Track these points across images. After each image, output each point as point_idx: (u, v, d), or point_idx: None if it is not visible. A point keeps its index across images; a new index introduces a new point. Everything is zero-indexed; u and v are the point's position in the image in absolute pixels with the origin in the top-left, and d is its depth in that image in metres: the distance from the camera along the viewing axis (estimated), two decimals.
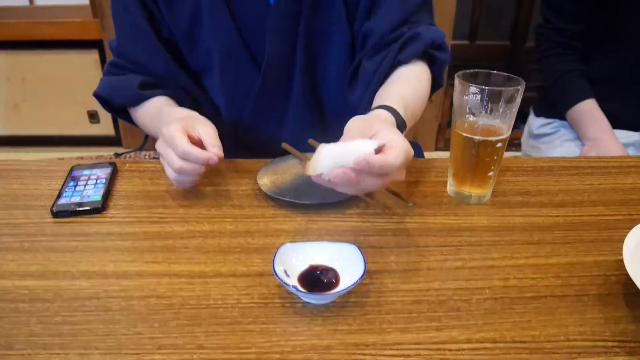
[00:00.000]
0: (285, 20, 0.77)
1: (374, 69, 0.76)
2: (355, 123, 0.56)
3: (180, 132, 0.62)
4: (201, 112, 0.86)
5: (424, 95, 0.77)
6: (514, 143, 1.80)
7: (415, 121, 0.74)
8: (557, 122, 1.24)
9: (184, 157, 0.62)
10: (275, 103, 0.85)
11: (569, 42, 1.16)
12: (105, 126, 2.39)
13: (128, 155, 2.18)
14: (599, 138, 1.10)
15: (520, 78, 0.64)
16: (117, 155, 2.19)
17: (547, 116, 1.27)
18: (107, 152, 2.28)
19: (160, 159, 0.67)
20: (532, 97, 1.34)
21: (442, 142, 2.35)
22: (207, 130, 0.65)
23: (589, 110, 1.13)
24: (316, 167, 0.50)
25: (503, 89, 0.62)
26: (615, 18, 1.10)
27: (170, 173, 0.65)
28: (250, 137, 0.89)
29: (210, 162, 0.62)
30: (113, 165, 0.76)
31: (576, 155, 1.15)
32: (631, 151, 1.15)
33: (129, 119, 0.87)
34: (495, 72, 0.66)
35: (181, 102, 0.83)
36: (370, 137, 0.53)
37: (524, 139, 1.37)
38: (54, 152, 2.35)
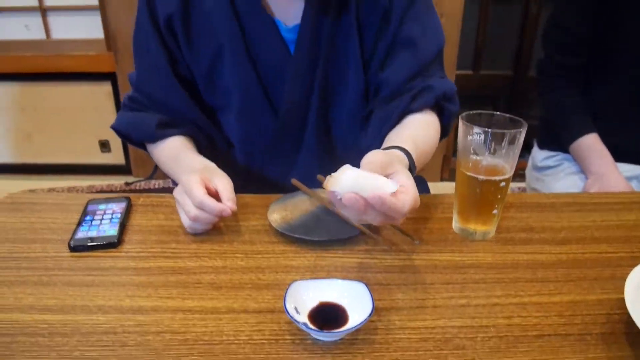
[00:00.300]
0: (304, 68, 0.81)
1: (387, 116, 0.79)
2: (376, 157, 0.57)
3: (198, 184, 0.66)
4: (214, 148, 0.89)
5: (433, 143, 0.79)
6: (518, 173, 1.82)
7: (422, 166, 0.76)
8: (560, 155, 1.26)
9: (200, 207, 0.66)
10: (288, 144, 0.88)
11: (570, 77, 1.19)
12: (116, 155, 2.44)
13: (138, 184, 2.22)
14: (602, 172, 1.12)
15: (522, 120, 0.66)
16: (127, 184, 2.23)
17: (550, 149, 1.29)
18: (118, 181, 2.32)
19: (177, 205, 0.70)
20: (536, 125, 1.36)
21: (447, 172, 2.37)
22: (223, 184, 0.69)
23: (591, 144, 1.15)
24: (335, 184, 0.53)
25: (506, 131, 0.64)
26: (615, 52, 1.13)
27: (185, 220, 0.69)
28: (261, 173, 0.92)
29: (224, 213, 0.66)
30: (127, 200, 0.79)
31: (580, 188, 1.17)
32: (634, 184, 1.16)
33: (144, 148, 0.90)
34: (497, 113, 0.69)
35: (196, 139, 0.86)
36: (389, 175, 0.56)
37: (528, 170, 1.39)
38: (65, 181, 2.39)
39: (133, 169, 2.41)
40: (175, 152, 0.81)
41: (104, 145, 2.41)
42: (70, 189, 2.19)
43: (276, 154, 0.89)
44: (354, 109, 0.84)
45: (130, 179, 2.36)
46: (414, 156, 0.67)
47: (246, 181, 0.88)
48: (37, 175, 2.45)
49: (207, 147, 0.88)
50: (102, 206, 0.77)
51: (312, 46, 0.79)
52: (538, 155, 1.32)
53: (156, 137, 0.84)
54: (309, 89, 0.83)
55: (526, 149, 1.38)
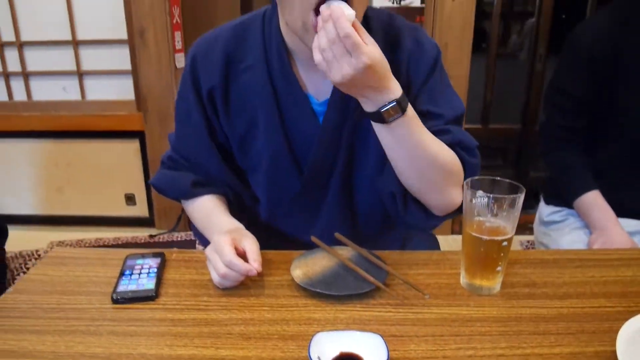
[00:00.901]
0: (331, 136, 0.87)
1: None
2: None
3: (229, 244, 0.74)
4: (241, 203, 0.97)
5: (446, 155, 0.81)
6: (527, 227, 1.86)
7: (426, 175, 0.80)
8: (565, 211, 1.30)
9: (229, 266, 0.73)
10: (311, 203, 0.94)
11: (571, 137, 1.24)
12: (140, 208, 2.54)
13: (161, 236, 2.30)
14: (605, 227, 1.16)
15: (520, 185, 0.74)
16: (151, 236, 2.31)
17: (556, 204, 1.33)
18: (142, 233, 2.40)
19: (207, 262, 0.78)
20: (543, 177, 1.42)
21: (458, 225, 2.42)
22: (251, 246, 0.76)
23: (593, 200, 1.20)
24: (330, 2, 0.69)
25: (506, 196, 0.72)
26: (615, 116, 1.19)
27: (214, 276, 0.76)
28: (283, 228, 0.99)
29: (250, 273, 0.74)
30: (162, 255, 0.86)
31: (585, 242, 1.21)
32: (637, 239, 1.20)
33: (178, 200, 0.98)
34: (499, 178, 0.76)
35: (226, 197, 0.95)
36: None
37: (536, 225, 1.43)
38: (92, 232, 2.49)
39: (156, 221, 2.51)
40: (208, 212, 0.90)
41: (130, 199, 2.52)
42: (97, 241, 2.28)
43: (299, 210, 0.96)
44: (376, 166, 0.89)
45: (153, 231, 2.46)
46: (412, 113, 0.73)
47: (268, 235, 0.95)
48: (65, 226, 2.55)
49: (235, 202, 0.96)
50: (140, 261, 0.85)
51: (340, 117, 0.86)
52: (544, 210, 1.36)
53: (190, 195, 0.93)
54: (335, 154, 0.89)
55: (534, 199, 1.43)
